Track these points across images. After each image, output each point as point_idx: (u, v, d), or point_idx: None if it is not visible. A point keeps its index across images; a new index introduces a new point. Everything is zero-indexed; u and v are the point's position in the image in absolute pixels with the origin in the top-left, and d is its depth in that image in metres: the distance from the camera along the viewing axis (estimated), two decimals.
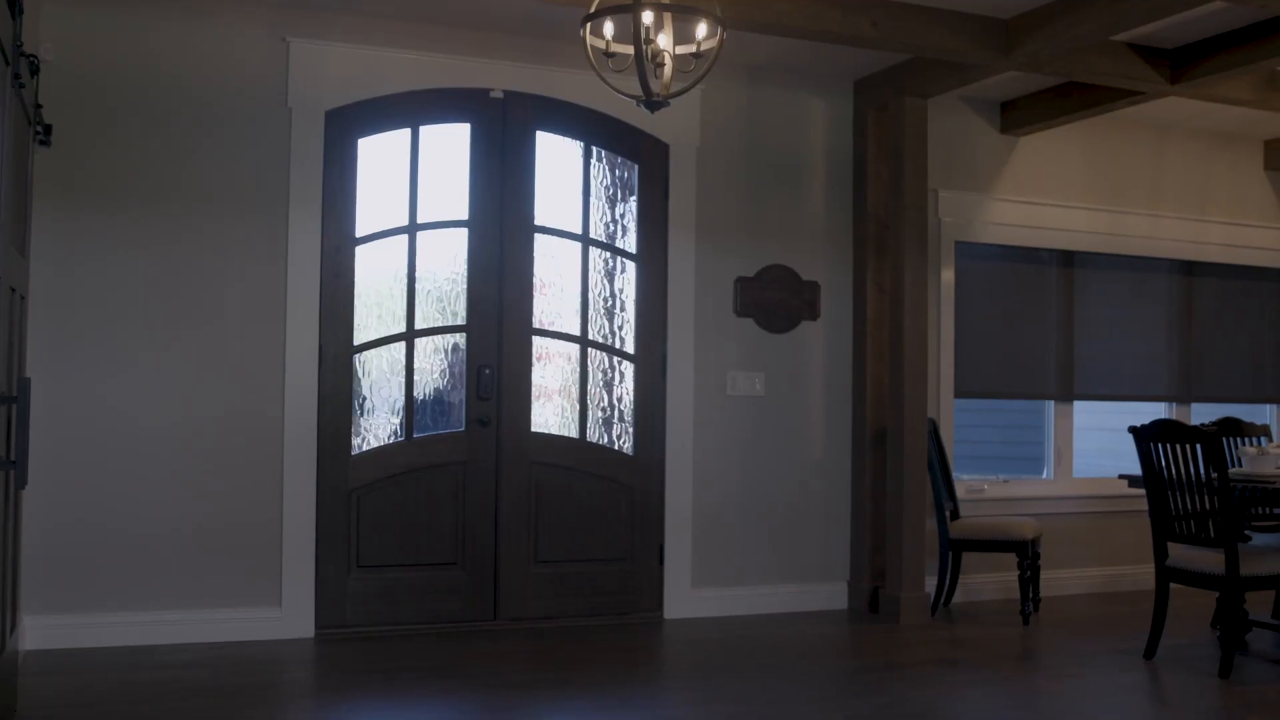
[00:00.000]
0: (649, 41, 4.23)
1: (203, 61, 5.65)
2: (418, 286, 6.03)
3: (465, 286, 6.09)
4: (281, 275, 5.75)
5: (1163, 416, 6.97)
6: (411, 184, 6.03)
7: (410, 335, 6.02)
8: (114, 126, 5.51)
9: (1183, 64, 6.13)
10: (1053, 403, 7.58)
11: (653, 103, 4.37)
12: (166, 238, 5.58)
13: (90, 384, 5.45)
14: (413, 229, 6.02)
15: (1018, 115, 7.15)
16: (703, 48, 4.36)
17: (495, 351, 6.13)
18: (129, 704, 4.51)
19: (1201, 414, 7.79)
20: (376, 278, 6.02)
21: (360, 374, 5.97)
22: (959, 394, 7.15)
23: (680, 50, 4.38)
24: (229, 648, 5.46)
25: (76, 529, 5.41)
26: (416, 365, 6.05)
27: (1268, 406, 8.36)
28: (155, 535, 5.53)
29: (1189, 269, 7.93)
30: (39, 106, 4.83)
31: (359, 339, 5.94)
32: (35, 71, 4.46)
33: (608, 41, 4.38)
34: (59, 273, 5.40)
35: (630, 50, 4.26)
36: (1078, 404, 7.62)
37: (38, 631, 5.30)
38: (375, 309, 6.02)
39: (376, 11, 5.83)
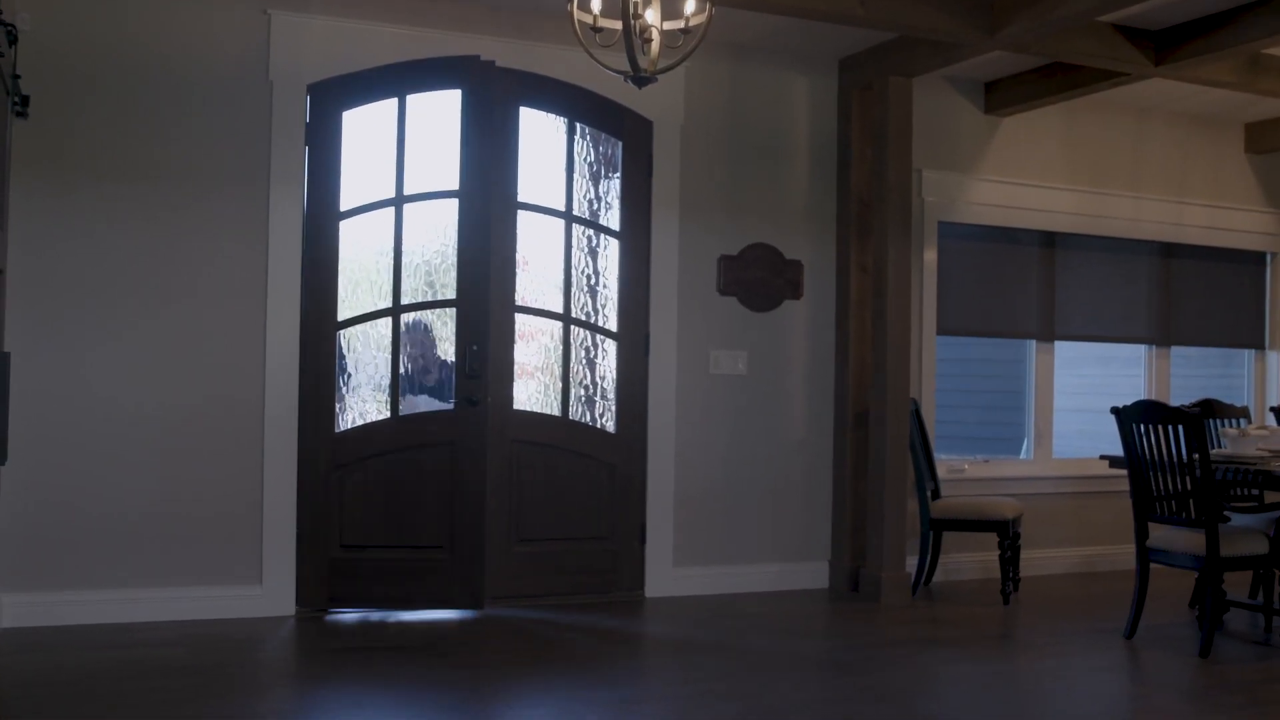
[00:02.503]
0: (637, 17, 4.20)
1: (183, 34, 5.57)
2: (404, 260, 5.95)
3: (455, 260, 5.95)
4: (263, 251, 5.69)
5: (1144, 397, 7.00)
6: (399, 155, 5.92)
7: (396, 311, 5.95)
8: (92, 99, 5.43)
9: (1167, 46, 6.14)
10: (1034, 374, 7.57)
11: (640, 79, 4.34)
12: (146, 213, 5.51)
13: (69, 360, 5.39)
14: (399, 201, 5.92)
15: (1001, 96, 7.15)
16: (691, 24, 4.33)
17: (481, 328, 6.09)
18: (107, 681, 4.48)
19: (1180, 360, 7.85)
20: (362, 253, 5.96)
21: (345, 350, 5.92)
22: (941, 331, 7.19)
23: (668, 26, 4.35)
24: (208, 625, 5.43)
25: (55, 506, 5.36)
26: (402, 340, 5.99)
27: (1245, 352, 8.38)
28: (134, 512, 5.48)
29: (1169, 251, 7.95)
30: (17, 77, 4.76)
31: (343, 315, 5.89)
32: (13, 41, 4.39)
33: (595, 16, 4.33)
34: (37, 248, 5.33)
35: (618, 25, 4.23)
36: (1059, 383, 7.64)
37: (15, 609, 5.25)
38: (361, 284, 5.97)
39: None
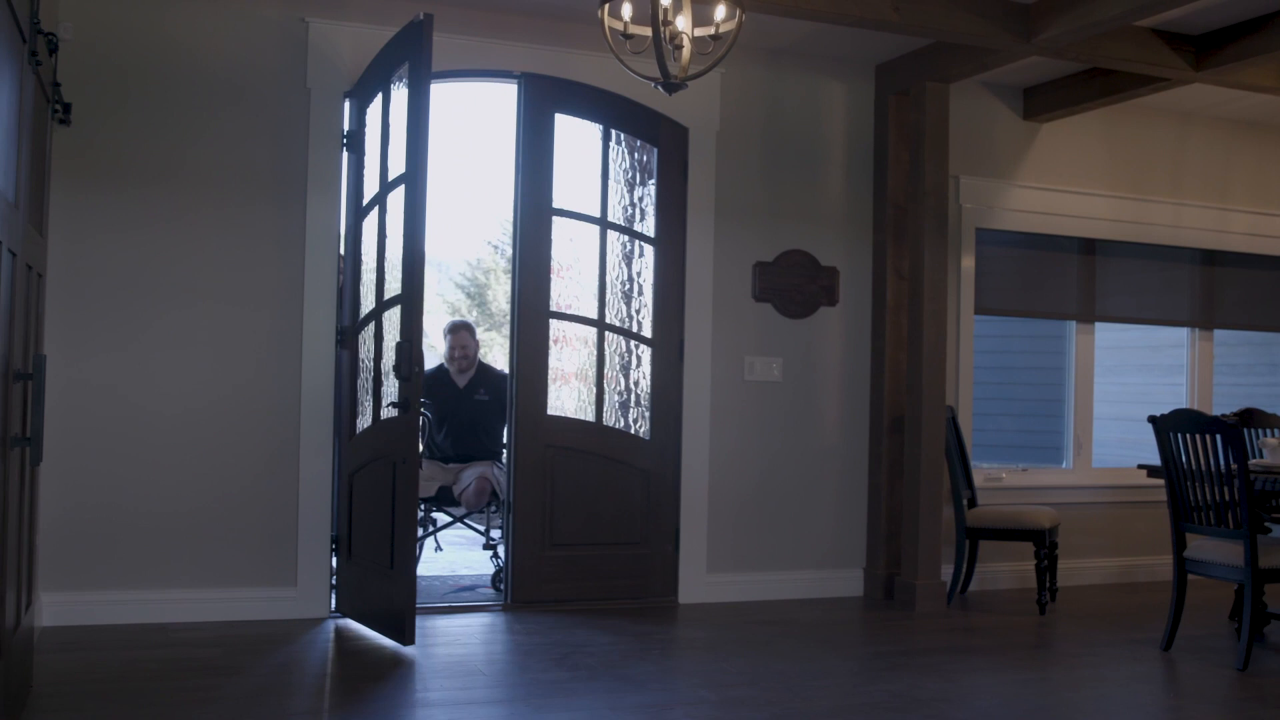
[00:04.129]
0: (667, 23, 4.22)
1: (221, 42, 5.64)
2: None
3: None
4: (300, 256, 5.74)
5: (1186, 405, 6.93)
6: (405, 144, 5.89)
7: (380, 311, 5.85)
8: (133, 107, 5.51)
9: (1207, 50, 6.07)
10: (1073, 382, 7.50)
11: (670, 85, 4.36)
12: (186, 218, 5.58)
13: (108, 362, 5.47)
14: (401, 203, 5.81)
15: (1041, 101, 7.10)
16: (721, 30, 4.34)
17: (514, 333, 6.12)
18: (142, 681, 4.53)
19: (1224, 368, 7.79)
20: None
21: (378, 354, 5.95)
22: (979, 310, 7.16)
23: (699, 32, 4.36)
24: (243, 626, 5.48)
25: (93, 506, 5.44)
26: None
27: None
28: (172, 513, 5.55)
29: (1211, 258, 7.86)
30: (57, 85, 4.83)
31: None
32: (54, 50, 4.46)
33: (625, 23, 4.36)
34: (78, 252, 5.41)
35: (648, 32, 4.25)
36: (1100, 391, 7.56)
37: (55, 608, 5.33)
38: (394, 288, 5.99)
39: None
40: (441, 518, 7.25)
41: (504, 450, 6.94)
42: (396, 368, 5.09)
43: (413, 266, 5.05)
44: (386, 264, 5.44)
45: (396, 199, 5.31)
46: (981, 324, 7.26)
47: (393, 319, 5.30)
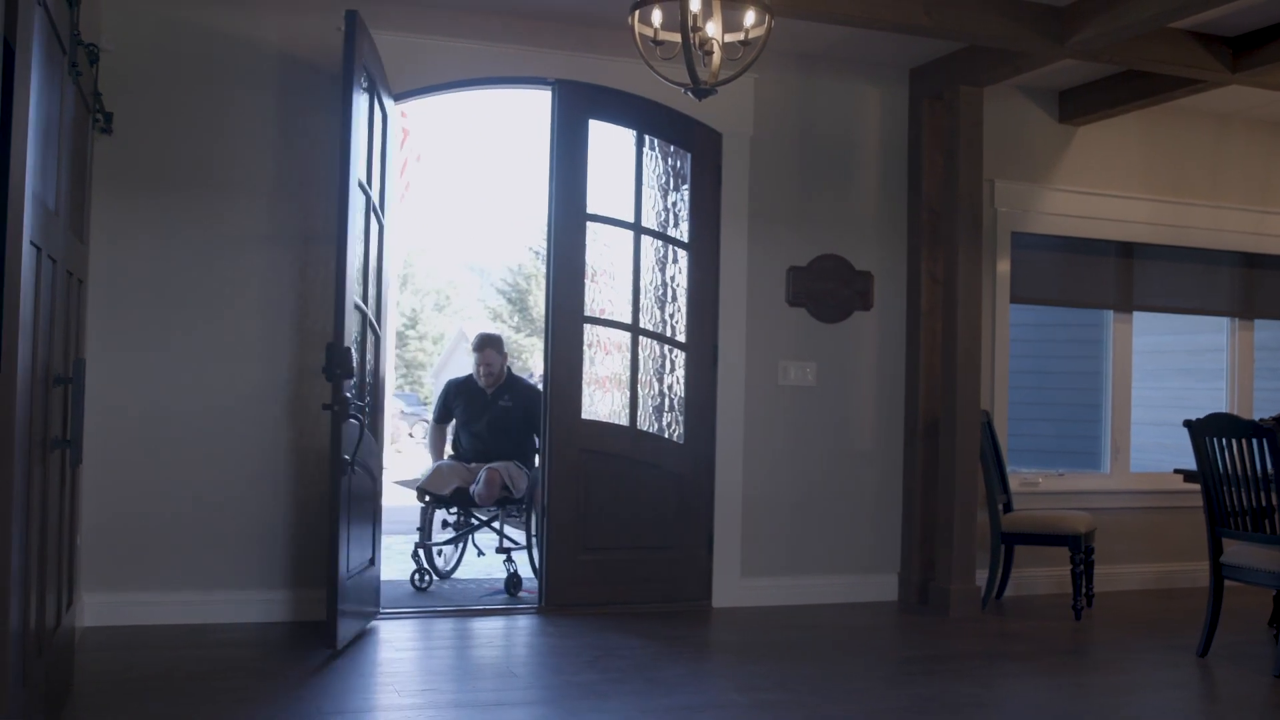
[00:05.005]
0: (697, 29, 4.24)
1: (259, 51, 5.72)
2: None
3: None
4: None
5: (1224, 410, 6.87)
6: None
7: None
8: (172, 115, 5.59)
9: (1243, 51, 6.02)
10: (1111, 384, 7.47)
11: (700, 90, 4.38)
12: (224, 224, 5.66)
13: (148, 365, 5.56)
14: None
15: (1076, 104, 7.07)
16: (751, 35, 4.36)
17: (548, 337, 6.16)
18: (182, 681, 4.60)
19: (1266, 372, 7.76)
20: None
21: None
22: (1015, 299, 7.14)
23: (729, 38, 4.38)
24: (282, 628, 5.55)
25: (133, 508, 5.52)
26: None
27: None
28: (210, 515, 5.62)
29: (1251, 261, 7.78)
30: (98, 95, 4.92)
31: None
32: (94, 60, 4.54)
33: (656, 29, 4.39)
34: (119, 258, 5.50)
35: (679, 38, 4.27)
36: (1138, 396, 7.51)
37: (96, 608, 5.41)
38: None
39: (430, 1, 5.87)
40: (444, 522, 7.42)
41: (532, 455, 7.01)
42: (325, 369, 5.08)
43: (342, 271, 5.05)
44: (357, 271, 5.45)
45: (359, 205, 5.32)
46: (1018, 329, 7.22)
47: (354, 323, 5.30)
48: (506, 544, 6.82)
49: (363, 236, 5.37)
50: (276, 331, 5.74)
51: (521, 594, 6.55)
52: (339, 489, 5.04)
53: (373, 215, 5.59)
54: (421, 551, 6.87)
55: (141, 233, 5.55)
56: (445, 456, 7.47)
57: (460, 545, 7.34)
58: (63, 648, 4.11)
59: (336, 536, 5.03)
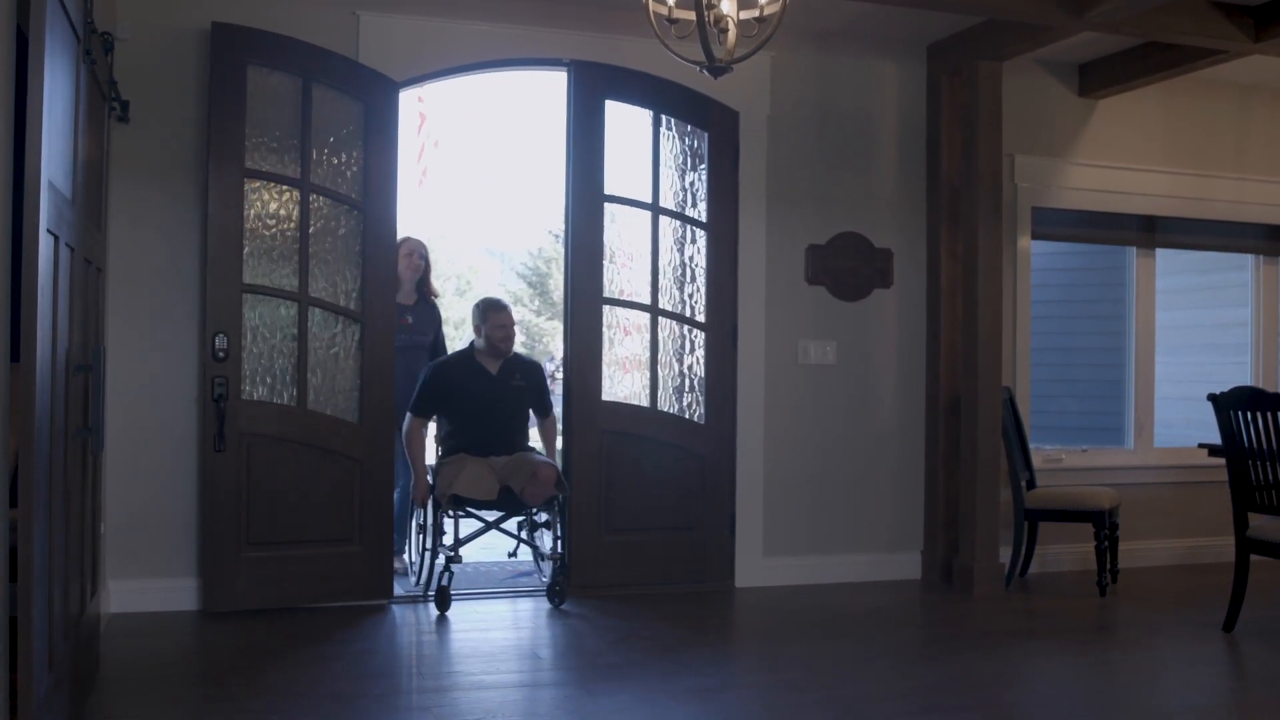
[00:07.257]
0: (711, 6, 4.21)
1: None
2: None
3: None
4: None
5: (1249, 384, 6.80)
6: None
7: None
8: (187, 102, 5.59)
9: (1266, 22, 5.94)
10: (1134, 359, 7.42)
11: (716, 68, 4.35)
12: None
13: (169, 352, 5.56)
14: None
15: (1096, 77, 7.00)
16: (766, 12, 4.32)
17: (567, 319, 6.16)
18: (207, 667, 4.63)
19: None
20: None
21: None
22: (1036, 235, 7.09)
23: (743, 15, 4.35)
24: (314, 613, 5.56)
25: (157, 494, 5.54)
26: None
27: None
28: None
29: (1276, 233, 7.71)
30: (114, 83, 4.92)
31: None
32: (109, 49, 4.54)
33: (670, 8, 4.36)
34: (138, 246, 5.51)
35: (693, 16, 4.24)
36: (1162, 371, 7.46)
37: (121, 595, 5.44)
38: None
39: None
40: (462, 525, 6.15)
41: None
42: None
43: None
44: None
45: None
46: (1040, 305, 7.16)
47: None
48: (543, 550, 6.18)
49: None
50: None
51: (543, 578, 6.31)
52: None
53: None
54: (442, 558, 5.81)
55: (161, 220, 5.56)
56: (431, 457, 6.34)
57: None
58: (88, 634, 4.13)
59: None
